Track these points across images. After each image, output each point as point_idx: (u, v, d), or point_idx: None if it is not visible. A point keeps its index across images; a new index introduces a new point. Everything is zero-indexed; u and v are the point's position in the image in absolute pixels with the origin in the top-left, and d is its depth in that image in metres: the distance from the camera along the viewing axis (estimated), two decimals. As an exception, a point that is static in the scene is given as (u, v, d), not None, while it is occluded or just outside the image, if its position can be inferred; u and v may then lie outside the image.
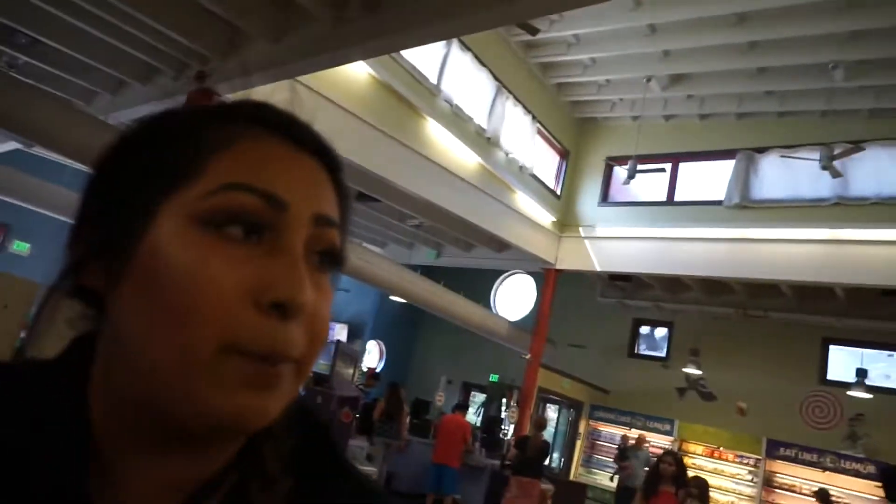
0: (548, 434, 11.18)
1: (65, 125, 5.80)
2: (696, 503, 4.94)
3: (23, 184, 8.41)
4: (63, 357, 0.44)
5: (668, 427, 11.52)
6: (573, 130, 11.21)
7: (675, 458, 5.25)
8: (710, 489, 10.45)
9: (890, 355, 10.26)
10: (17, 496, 0.36)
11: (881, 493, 3.55)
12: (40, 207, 8.66)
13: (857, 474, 9.36)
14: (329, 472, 0.48)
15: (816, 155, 7.91)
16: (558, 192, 11.04)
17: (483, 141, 9.10)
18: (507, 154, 9.59)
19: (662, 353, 12.51)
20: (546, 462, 8.43)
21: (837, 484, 9.30)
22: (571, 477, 11.74)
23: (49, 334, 0.44)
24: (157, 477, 0.41)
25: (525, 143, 10.01)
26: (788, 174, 8.99)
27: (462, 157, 8.79)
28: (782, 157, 8.85)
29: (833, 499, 7.49)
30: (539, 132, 10.37)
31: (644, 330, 12.93)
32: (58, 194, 8.50)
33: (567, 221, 10.97)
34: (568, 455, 12.21)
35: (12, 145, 8.62)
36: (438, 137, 8.35)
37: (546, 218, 10.64)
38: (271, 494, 0.43)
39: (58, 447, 0.38)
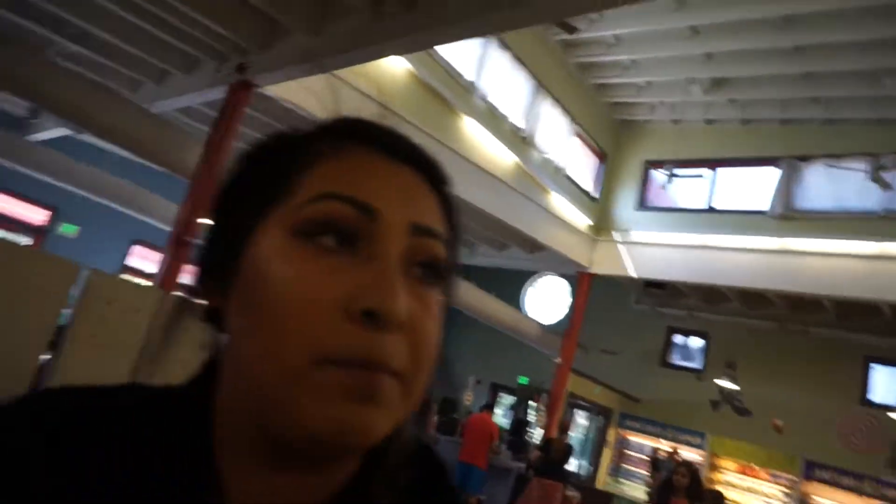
0: (576, 440, 11.05)
1: (111, 113, 6.02)
2: None
3: (71, 168, 8.74)
4: (193, 380, 0.45)
5: (699, 440, 11.24)
6: (611, 132, 11.04)
7: (689, 470, 5.12)
8: None
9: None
10: None
11: None
12: (87, 192, 8.97)
13: (897, 502, 8.98)
14: (444, 489, 0.49)
15: (864, 165, 7.61)
16: (595, 195, 10.89)
17: (519, 140, 9.05)
18: (543, 154, 9.51)
19: (697, 365, 12.21)
20: (569, 465, 8.34)
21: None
22: (598, 485, 11.56)
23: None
24: (271, 498, 0.41)
25: (562, 143, 9.91)
26: (834, 184, 8.67)
27: (497, 155, 8.76)
28: (828, 166, 8.55)
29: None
30: (576, 133, 10.25)
31: (678, 339, 12.66)
32: (103, 179, 8.78)
33: (603, 225, 10.81)
34: (595, 463, 12.03)
35: (62, 131, 8.94)
36: (474, 135, 8.33)
37: (581, 220, 10.51)
38: (388, 492, 0.43)
39: (184, 473, 0.39)
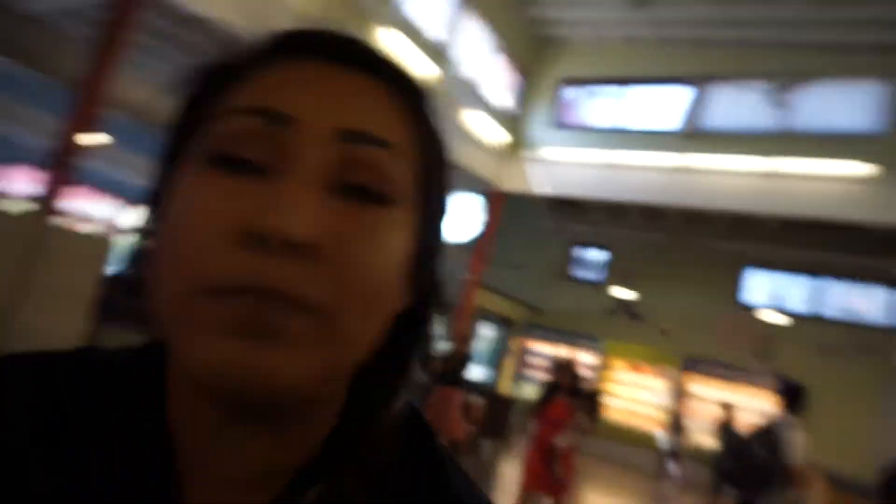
0: (481, 351, 11.52)
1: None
2: (585, 414, 5.26)
3: None
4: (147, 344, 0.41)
5: (594, 345, 12.09)
6: (532, 49, 10.82)
7: (569, 369, 5.43)
8: (617, 399, 11.26)
9: (809, 282, 11.01)
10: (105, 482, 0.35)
11: (782, 406, 3.95)
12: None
13: (763, 389, 10.26)
14: (437, 468, 0.41)
15: (766, 86, 8.01)
16: (512, 111, 10.76)
17: (437, 54, 8.62)
18: (462, 69, 9.16)
19: (598, 277, 12.93)
20: (470, 373, 8.71)
21: (742, 396, 10.13)
22: (500, 391, 12.22)
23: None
24: (239, 463, 0.36)
25: (482, 59, 9.57)
26: (737, 104, 9.11)
27: (414, 69, 8.30)
28: (734, 86, 8.93)
29: (734, 408, 8.12)
30: (498, 49, 9.93)
31: (582, 253, 13.26)
32: None
33: (518, 143, 10.79)
34: (499, 371, 12.66)
35: None
36: (390, 47, 7.81)
37: (497, 138, 10.40)
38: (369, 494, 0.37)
39: (136, 443, 0.36)
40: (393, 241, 0.36)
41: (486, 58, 9.71)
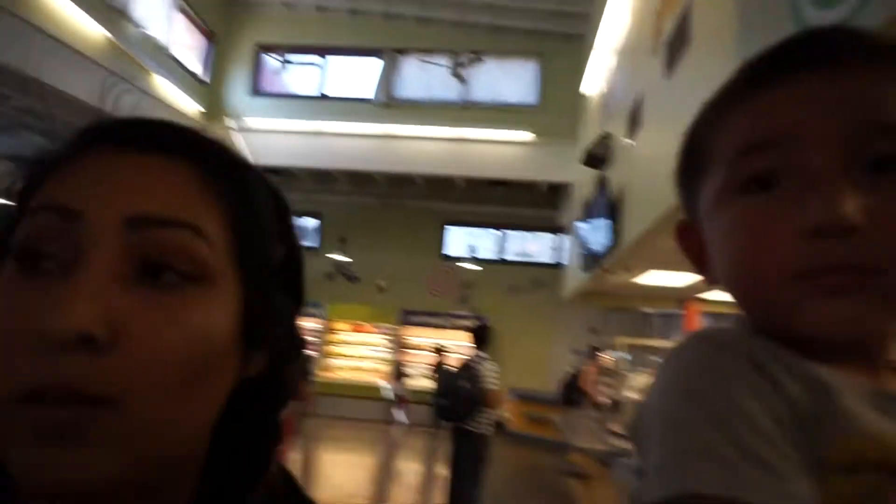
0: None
1: None
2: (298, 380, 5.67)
3: None
4: None
5: (318, 311, 12.31)
6: (221, 11, 10.16)
7: None
8: (344, 358, 11.81)
9: (491, 233, 12.70)
10: None
11: (475, 343, 4.83)
12: None
13: (465, 329, 11.67)
14: None
15: (448, 61, 8.89)
16: (204, 79, 10.05)
17: (111, 12, 7.60)
18: (140, 30, 8.22)
19: (313, 243, 13.05)
20: None
21: (452, 339, 11.44)
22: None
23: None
24: None
25: (163, 19, 8.70)
26: (425, 77, 9.92)
27: (87, 29, 7.23)
28: (420, 60, 9.69)
29: (446, 350, 9.20)
30: (179, 8, 9.10)
31: (295, 221, 13.18)
32: None
33: (215, 111, 10.17)
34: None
35: None
36: (55, 4, 6.66)
37: (191, 106, 9.67)
38: None
39: None
40: (201, 320, 0.35)
41: (168, 18, 8.87)
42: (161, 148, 0.37)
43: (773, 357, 0.38)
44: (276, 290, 0.41)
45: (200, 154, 0.38)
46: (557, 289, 11.45)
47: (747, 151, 0.40)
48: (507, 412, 4.83)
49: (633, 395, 4.99)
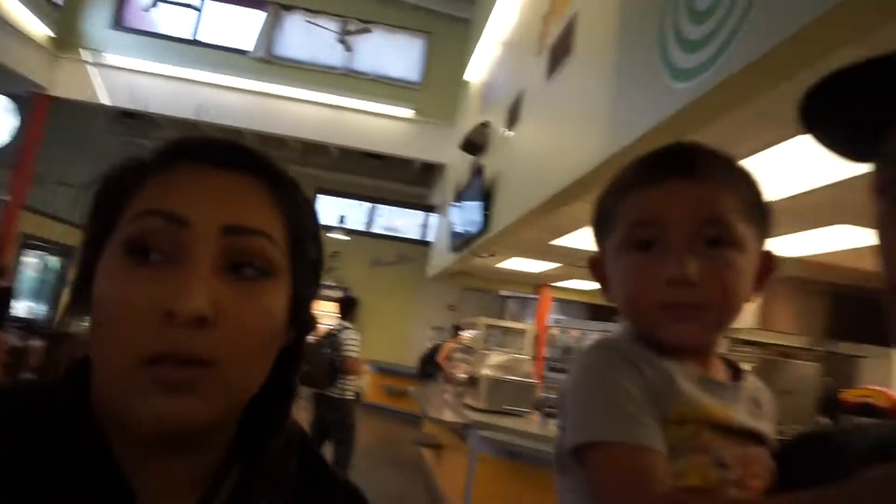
0: (30, 282, 9.88)
1: None
2: None
3: None
4: (67, 378, 0.48)
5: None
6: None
7: None
8: None
9: (360, 205, 12.68)
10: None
11: (340, 313, 5.04)
12: None
13: (329, 299, 11.63)
14: (322, 476, 0.57)
15: (335, 26, 8.69)
16: (58, 1, 8.96)
17: None
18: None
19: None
20: (14, 311, 7.58)
21: (323, 309, 11.36)
22: (57, 327, 10.75)
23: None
24: (167, 476, 0.46)
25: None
26: (309, 39, 9.61)
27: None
28: (306, 20, 9.36)
29: (317, 322, 9.17)
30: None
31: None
32: None
33: (68, 40, 9.13)
34: (55, 305, 11.04)
35: None
36: None
37: (39, 29, 8.60)
38: (279, 482, 0.51)
39: (86, 467, 0.43)
40: (272, 305, 0.46)
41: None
42: (239, 166, 0.48)
43: (640, 356, 0.60)
44: (310, 280, 0.52)
45: (265, 172, 0.49)
46: (422, 266, 11.74)
47: (635, 225, 0.62)
48: (368, 382, 5.05)
49: (489, 372, 5.34)
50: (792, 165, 3.24)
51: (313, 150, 11.12)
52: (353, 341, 4.87)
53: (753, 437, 0.60)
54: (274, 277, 0.47)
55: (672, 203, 0.60)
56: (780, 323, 4.89)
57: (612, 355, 0.61)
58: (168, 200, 0.44)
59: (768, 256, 0.64)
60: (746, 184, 0.63)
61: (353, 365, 4.83)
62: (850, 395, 3.97)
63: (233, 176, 0.47)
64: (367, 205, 12.67)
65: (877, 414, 3.64)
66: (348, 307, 5.13)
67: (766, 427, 0.62)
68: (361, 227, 12.48)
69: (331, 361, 4.83)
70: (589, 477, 0.57)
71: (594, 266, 0.70)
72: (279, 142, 10.79)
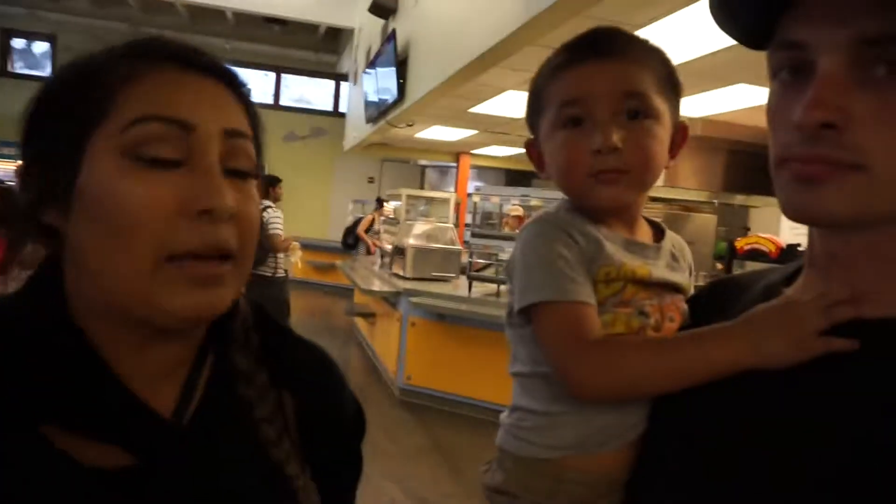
0: None
1: None
2: None
3: None
4: (32, 288, 0.50)
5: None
6: None
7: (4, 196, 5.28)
8: None
9: (265, 76, 11.91)
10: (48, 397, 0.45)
11: (261, 192, 5.03)
12: None
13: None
14: (285, 341, 0.62)
15: None
16: None
17: None
18: None
19: (43, 72, 11.00)
20: None
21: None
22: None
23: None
24: (155, 361, 0.50)
25: None
26: None
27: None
28: None
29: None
30: None
31: (19, 44, 10.87)
32: None
33: None
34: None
35: None
36: None
37: None
38: (248, 357, 0.56)
39: (69, 361, 0.47)
40: (257, 202, 0.51)
41: None
42: (215, 73, 0.50)
43: (573, 225, 0.68)
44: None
45: (229, 76, 0.51)
46: (337, 138, 11.44)
47: (564, 104, 0.67)
48: (300, 257, 5.15)
49: (414, 242, 5.50)
50: (694, 29, 3.34)
51: (205, 16, 10.17)
52: (276, 220, 4.90)
53: (670, 287, 0.70)
54: (254, 179, 0.51)
55: (595, 81, 0.66)
56: (683, 180, 5.23)
57: (549, 227, 0.68)
58: (170, 106, 0.46)
59: (682, 127, 0.72)
60: (660, 61, 0.69)
61: (279, 242, 4.88)
62: (742, 243, 4.39)
63: (212, 81, 0.49)
64: (272, 75, 11.93)
65: (764, 258, 4.06)
66: (268, 186, 5.07)
67: (682, 278, 0.72)
68: (269, 101, 11.83)
69: (258, 241, 4.83)
70: (535, 331, 0.66)
71: (529, 147, 0.76)
72: (164, 6, 9.76)
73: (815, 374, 0.51)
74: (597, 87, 0.66)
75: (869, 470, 0.45)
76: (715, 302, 0.68)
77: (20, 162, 0.49)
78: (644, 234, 0.74)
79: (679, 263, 0.74)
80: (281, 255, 4.93)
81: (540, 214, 0.71)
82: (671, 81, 0.70)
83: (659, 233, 0.75)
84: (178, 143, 0.45)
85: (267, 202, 4.95)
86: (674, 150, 0.71)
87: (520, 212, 6.31)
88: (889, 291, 0.50)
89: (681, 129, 0.71)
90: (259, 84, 11.75)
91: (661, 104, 0.67)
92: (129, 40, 0.49)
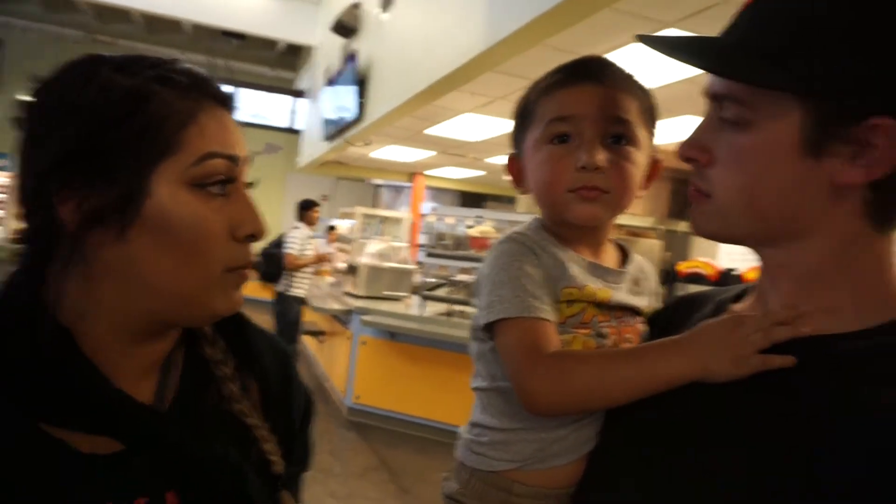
0: None
1: None
2: None
3: None
4: (13, 291, 0.54)
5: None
6: None
7: None
8: None
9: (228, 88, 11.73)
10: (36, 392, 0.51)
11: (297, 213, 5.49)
12: None
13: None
14: (248, 332, 0.68)
15: None
16: None
17: None
18: None
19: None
20: None
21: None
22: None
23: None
24: (143, 357, 0.57)
25: None
26: None
27: None
28: None
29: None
30: None
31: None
32: None
33: None
34: None
35: None
36: None
37: None
38: (216, 348, 0.64)
39: (60, 362, 0.51)
40: None
41: None
42: (228, 104, 0.58)
43: (540, 245, 0.72)
44: None
45: (234, 107, 0.60)
46: (292, 155, 11.34)
47: (554, 120, 0.71)
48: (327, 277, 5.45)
49: (367, 260, 5.48)
50: (647, 62, 3.49)
51: (162, 26, 10.00)
52: (293, 239, 5.12)
53: (630, 311, 0.73)
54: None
55: (586, 102, 0.70)
56: (631, 206, 5.39)
57: (517, 246, 0.71)
58: (226, 144, 0.55)
59: (656, 160, 0.76)
60: (644, 94, 0.74)
61: (290, 261, 5.07)
62: (683, 267, 4.56)
63: (229, 112, 0.58)
64: (230, 89, 11.76)
65: (704, 281, 4.24)
66: (301, 209, 5.39)
67: (643, 301, 0.75)
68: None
69: (275, 257, 5.16)
70: (498, 345, 0.68)
71: (511, 162, 0.79)
72: (119, 14, 9.56)
73: (757, 389, 0.53)
74: (588, 107, 0.69)
75: (803, 477, 0.47)
76: (674, 317, 0.72)
77: (49, 181, 0.51)
78: (610, 257, 0.77)
79: (641, 287, 0.77)
80: (298, 274, 5.17)
81: (509, 233, 0.74)
82: (652, 115, 0.74)
83: (625, 256, 0.78)
84: (228, 174, 0.55)
85: (299, 224, 5.26)
86: (647, 181, 0.75)
87: (477, 233, 6.36)
88: (811, 308, 0.54)
89: (655, 162, 0.75)
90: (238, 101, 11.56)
91: (642, 134, 0.72)
92: (164, 69, 0.55)
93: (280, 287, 5.20)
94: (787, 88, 0.50)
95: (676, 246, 5.91)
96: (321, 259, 5.48)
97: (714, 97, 0.56)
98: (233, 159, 0.55)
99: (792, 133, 0.51)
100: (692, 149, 0.58)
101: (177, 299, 0.54)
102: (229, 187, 0.55)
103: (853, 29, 0.48)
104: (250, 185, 0.59)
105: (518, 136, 0.77)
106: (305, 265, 5.20)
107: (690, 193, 0.59)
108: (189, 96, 0.54)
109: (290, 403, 0.69)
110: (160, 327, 0.57)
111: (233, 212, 0.55)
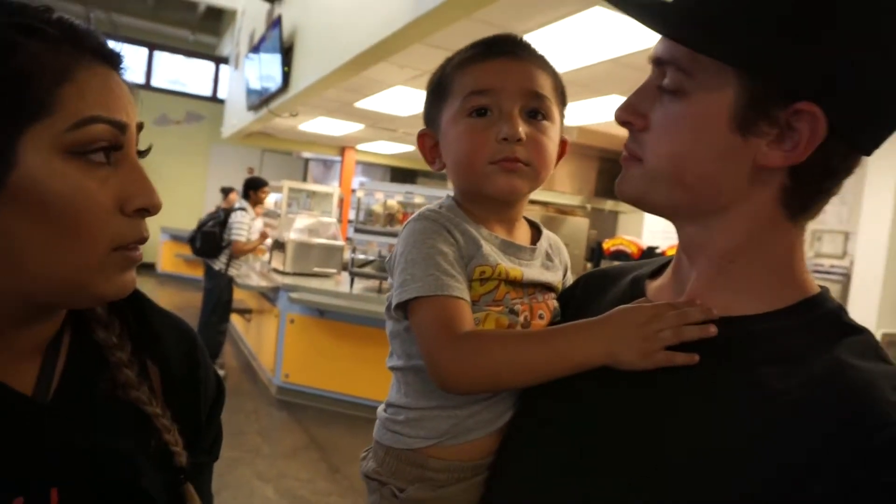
0: None
1: None
2: None
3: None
4: None
5: None
6: None
7: None
8: None
9: (136, 52, 11.07)
10: None
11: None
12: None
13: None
14: (148, 313, 0.63)
15: None
16: None
17: None
18: None
19: None
20: None
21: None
22: None
23: None
24: (21, 341, 0.52)
25: None
26: None
27: None
28: None
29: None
30: None
31: None
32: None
33: None
34: None
35: None
36: None
37: None
38: (110, 331, 0.59)
39: None
40: None
41: None
42: (114, 62, 0.52)
43: (454, 223, 0.71)
44: None
45: (122, 65, 0.54)
46: (215, 125, 10.87)
47: (473, 93, 0.70)
48: (261, 258, 5.31)
49: (295, 236, 5.35)
50: (576, 41, 3.52)
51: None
52: (240, 225, 4.92)
53: (542, 287, 0.75)
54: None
55: (505, 76, 0.70)
56: (558, 184, 5.50)
57: (431, 223, 0.70)
58: (108, 107, 0.49)
59: (563, 140, 0.78)
60: (555, 74, 0.75)
61: (240, 248, 4.98)
62: (608, 244, 4.71)
63: (117, 73, 0.52)
64: (144, 51, 11.11)
65: (627, 258, 4.40)
66: (248, 189, 5.11)
67: (555, 277, 0.77)
68: (140, 80, 11.00)
69: (215, 235, 5.00)
70: (412, 325, 0.68)
71: (422, 138, 0.78)
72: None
73: (663, 374, 0.55)
74: (507, 81, 0.70)
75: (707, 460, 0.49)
76: (587, 294, 0.73)
77: None
78: (522, 234, 0.77)
79: (554, 262, 0.78)
80: (239, 258, 5.03)
81: (422, 211, 0.73)
82: (562, 94, 0.76)
83: (537, 233, 0.79)
84: (113, 141, 0.49)
85: (243, 203, 4.99)
86: (556, 159, 0.76)
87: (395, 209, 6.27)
88: (717, 289, 0.56)
89: (562, 142, 0.77)
90: (129, 61, 10.87)
91: (555, 110, 0.73)
92: (29, 17, 0.47)
93: (218, 265, 5.02)
94: (725, 58, 0.51)
95: (603, 224, 6.07)
96: (264, 237, 5.29)
97: (658, 62, 0.56)
98: (118, 125, 0.49)
99: (725, 107, 0.51)
100: (628, 113, 0.58)
101: (55, 282, 0.48)
102: (116, 156, 0.50)
103: (797, 12, 0.48)
104: (143, 153, 0.54)
105: (432, 111, 0.77)
106: (253, 249, 5.08)
107: (623, 157, 0.59)
108: (62, 49, 0.48)
109: (197, 389, 0.65)
110: (38, 311, 0.52)
111: (121, 183, 0.50)
